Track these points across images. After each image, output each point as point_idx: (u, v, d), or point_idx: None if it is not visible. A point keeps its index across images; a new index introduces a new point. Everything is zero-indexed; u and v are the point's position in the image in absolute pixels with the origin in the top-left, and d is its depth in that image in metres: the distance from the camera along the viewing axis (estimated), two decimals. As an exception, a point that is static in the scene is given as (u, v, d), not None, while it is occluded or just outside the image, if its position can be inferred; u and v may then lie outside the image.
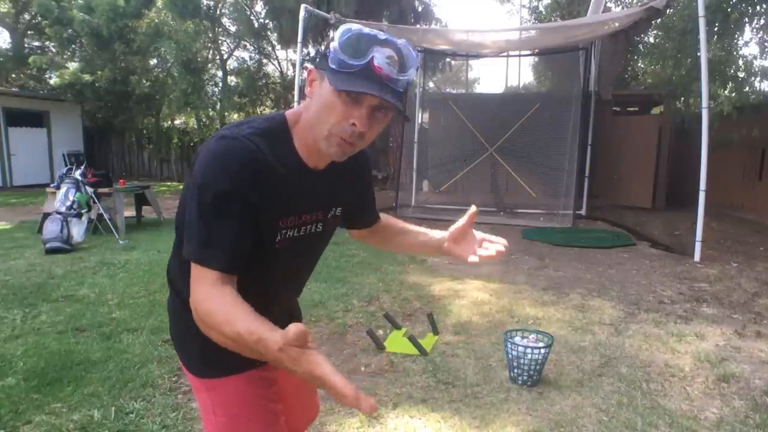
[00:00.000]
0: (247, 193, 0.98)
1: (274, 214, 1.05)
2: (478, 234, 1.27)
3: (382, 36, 0.95)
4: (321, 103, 0.98)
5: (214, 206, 0.96)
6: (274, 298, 1.23)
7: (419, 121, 10.80)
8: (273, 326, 0.84)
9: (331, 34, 12.40)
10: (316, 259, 1.30)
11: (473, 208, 1.25)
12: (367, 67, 0.93)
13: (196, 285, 0.96)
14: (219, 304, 0.92)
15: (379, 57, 0.93)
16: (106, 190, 6.95)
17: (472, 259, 1.22)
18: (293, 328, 0.77)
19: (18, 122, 13.99)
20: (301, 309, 1.48)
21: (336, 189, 1.18)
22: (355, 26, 0.96)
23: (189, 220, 0.99)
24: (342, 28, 0.96)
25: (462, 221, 1.26)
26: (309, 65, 1.05)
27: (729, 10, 7.57)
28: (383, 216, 1.43)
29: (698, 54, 5.85)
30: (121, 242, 6.27)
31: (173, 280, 1.23)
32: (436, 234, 1.34)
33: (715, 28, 7.61)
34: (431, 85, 11.64)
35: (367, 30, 0.95)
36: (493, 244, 1.25)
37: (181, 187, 14.36)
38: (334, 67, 0.94)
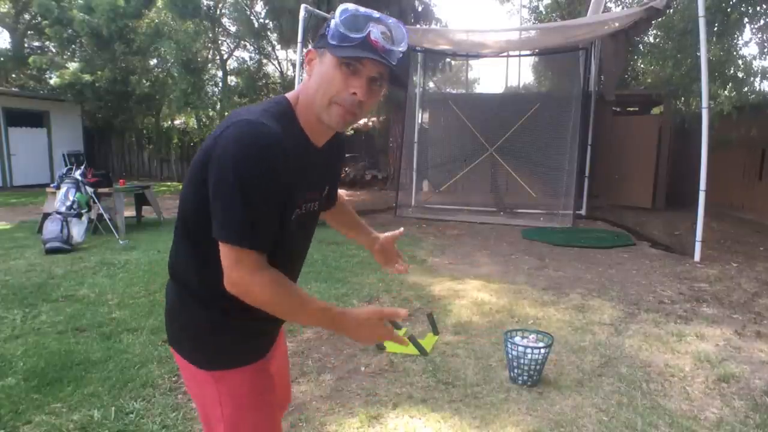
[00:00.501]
0: (280, 176, 1.03)
1: (298, 193, 1.13)
2: (396, 250, 1.62)
3: (376, 15, 1.06)
4: (322, 76, 1.07)
5: (253, 190, 1.00)
6: (291, 275, 1.27)
7: (419, 121, 10.80)
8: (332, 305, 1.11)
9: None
10: (311, 238, 1.35)
11: (401, 230, 1.62)
12: (365, 40, 1.03)
13: (238, 267, 1.03)
14: (279, 282, 1.06)
15: (375, 31, 1.03)
16: (106, 190, 6.95)
17: (390, 270, 1.60)
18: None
19: (18, 122, 13.99)
20: None
21: (329, 167, 1.27)
22: (351, 6, 1.05)
23: (224, 204, 1.01)
24: (341, 7, 1.05)
25: (390, 235, 1.57)
26: (309, 47, 1.13)
27: (729, 10, 7.57)
28: (339, 194, 1.50)
29: (698, 54, 5.85)
30: (121, 242, 6.27)
31: (179, 274, 1.22)
32: (370, 233, 1.59)
33: (715, 28, 7.61)
34: (431, 85, 11.64)
35: (363, 9, 1.05)
36: (402, 264, 1.61)
37: (181, 187, 14.34)
38: (334, 42, 1.04)
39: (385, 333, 1.16)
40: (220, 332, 1.17)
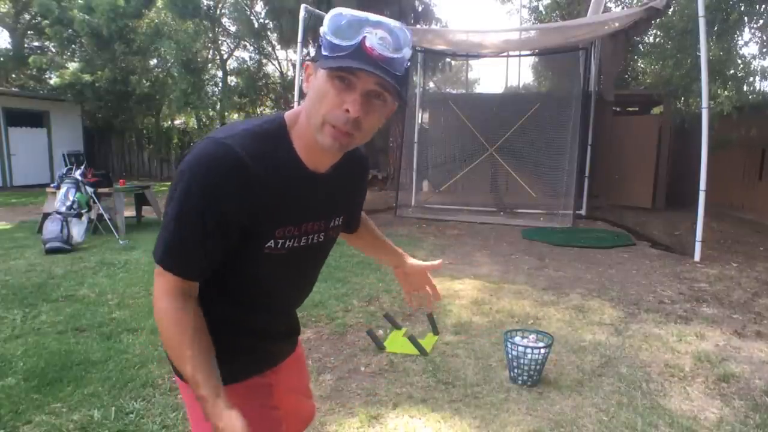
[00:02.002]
0: (226, 207, 0.95)
1: (268, 223, 1.01)
2: (428, 279, 1.47)
3: (372, 18, 0.91)
4: (314, 93, 0.94)
5: (187, 215, 0.94)
6: (280, 305, 1.22)
7: (419, 121, 10.80)
8: (216, 382, 0.96)
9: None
10: (317, 270, 1.26)
11: (439, 262, 1.50)
12: (358, 48, 0.88)
13: (155, 284, 0.99)
14: (178, 321, 0.98)
15: (371, 37, 0.88)
16: (106, 190, 6.95)
17: (414, 302, 1.51)
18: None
19: (18, 122, 13.99)
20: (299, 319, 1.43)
21: (338, 195, 1.13)
22: (343, 10, 0.92)
23: (164, 220, 0.98)
24: (331, 12, 0.92)
25: (425, 265, 1.44)
26: (307, 61, 1.01)
27: (729, 10, 7.57)
28: (362, 217, 1.41)
29: (698, 54, 5.85)
30: (121, 242, 6.27)
31: None
32: (396, 253, 1.46)
33: (715, 28, 7.61)
34: (431, 85, 11.64)
35: (357, 13, 0.92)
36: (428, 296, 1.48)
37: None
38: (326, 53, 0.90)
39: None
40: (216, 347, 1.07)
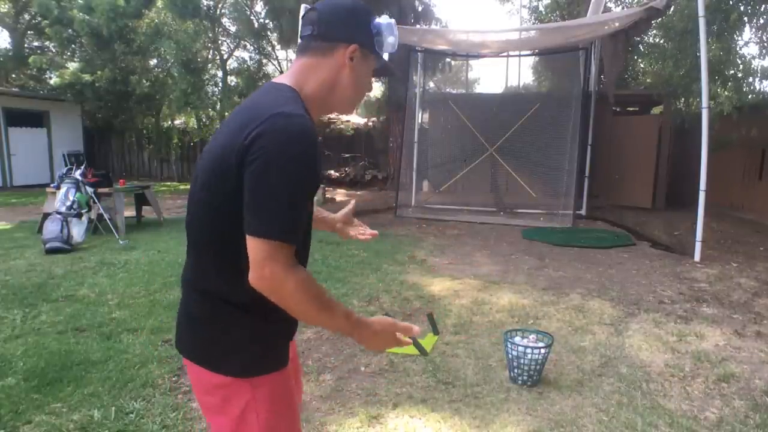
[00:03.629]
0: (319, 172, 1.08)
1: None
2: (356, 221, 1.63)
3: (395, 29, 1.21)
4: (362, 76, 1.20)
5: (298, 187, 1.02)
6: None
7: (419, 121, 10.80)
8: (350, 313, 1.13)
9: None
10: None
11: (353, 203, 1.65)
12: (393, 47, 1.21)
13: (272, 262, 1.00)
14: (311, 280, 1.05)
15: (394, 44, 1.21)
16: (106, 190, 6.95)
17: (356, 237, 1.60)
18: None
19: (18, 122, 14.00)
20: None
21: None
22: (395, 26, 1.20)
23: (268, 197, 1.00)
24: (391, 20, 1.20)
25: (347, 209, 1.60)
26: (352, 44, 1.16)
27: (729, 9, 7.56)
28: None
29: (698, 54, 5.85)
30: (120, 242, 6.27)
31: (210, 286, 1.15)
32: (330, 215, 1.61)
33: (715, 28, 7.61)
34: (431, 85, 11.63)
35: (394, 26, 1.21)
36: (367, 231, 1.61)
37: (181, 187, 14.36)
38: (379, 51, 1.20)
39: (396, 343, 1.20)
40: (261, 337, 1.15)
